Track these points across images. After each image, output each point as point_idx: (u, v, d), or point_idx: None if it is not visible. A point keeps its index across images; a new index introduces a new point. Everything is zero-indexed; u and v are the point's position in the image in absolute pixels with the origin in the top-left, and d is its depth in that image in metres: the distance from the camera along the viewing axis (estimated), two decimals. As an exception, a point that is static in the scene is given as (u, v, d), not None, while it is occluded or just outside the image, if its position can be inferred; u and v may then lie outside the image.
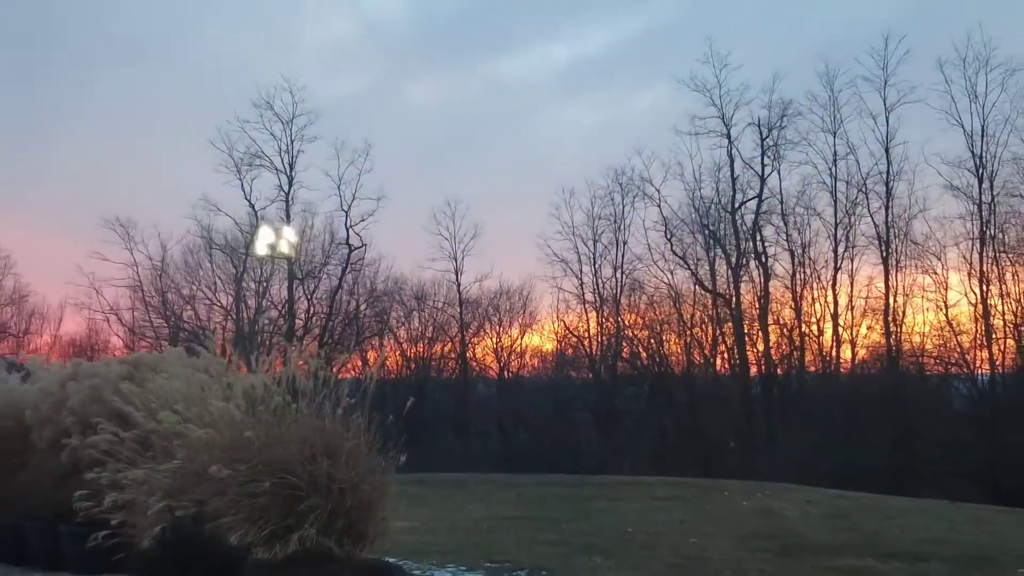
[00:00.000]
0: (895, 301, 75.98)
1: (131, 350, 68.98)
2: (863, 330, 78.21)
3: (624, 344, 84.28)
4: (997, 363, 71.14)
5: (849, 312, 78.08)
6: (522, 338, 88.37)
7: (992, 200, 71.70)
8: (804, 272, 78.59)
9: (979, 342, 72.25)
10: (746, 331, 78.86)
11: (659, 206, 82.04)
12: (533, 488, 46.13)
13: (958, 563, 25.11)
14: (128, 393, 23.53)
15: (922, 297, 75.85)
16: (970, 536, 31.21)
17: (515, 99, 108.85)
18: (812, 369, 78.97)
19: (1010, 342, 71.22)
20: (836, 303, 78.06)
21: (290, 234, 79.27)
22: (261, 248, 74.71)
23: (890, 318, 75.93)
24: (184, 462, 20.78)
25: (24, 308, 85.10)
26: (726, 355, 79.36)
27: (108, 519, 21.33)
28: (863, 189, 76.72)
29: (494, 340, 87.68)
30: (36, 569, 23.03)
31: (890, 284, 76.01)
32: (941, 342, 74.92)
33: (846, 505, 41.09)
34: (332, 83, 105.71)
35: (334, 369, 22.91)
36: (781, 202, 78.41)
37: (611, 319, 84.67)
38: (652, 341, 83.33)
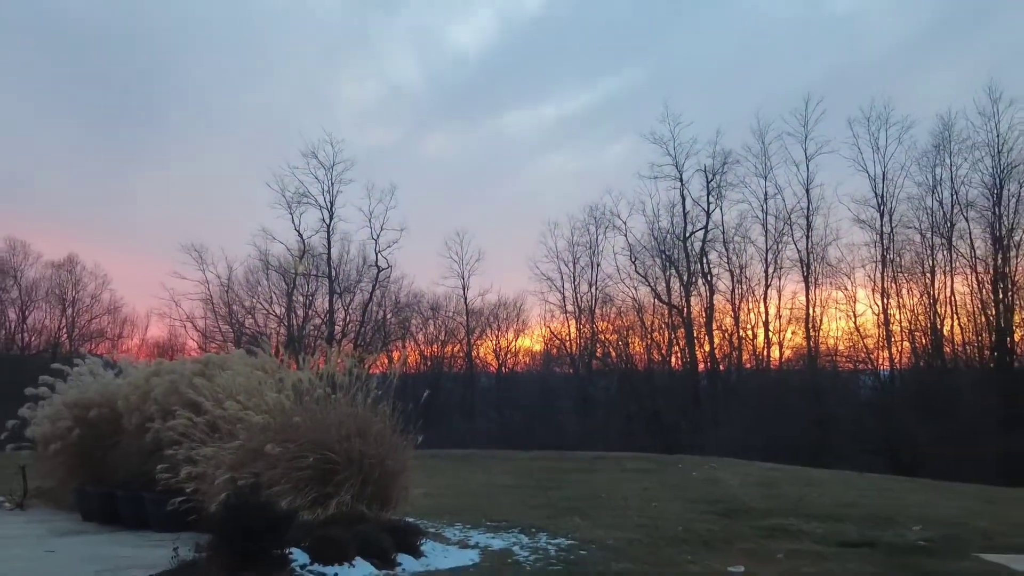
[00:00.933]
0: (814, 311, 77.42)
1: (203, 351, 69.25)
2: (788, 335, 79.55)
3: (598, 346, 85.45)
4: (895, 361, 73.02)
5: (777, 320, 79.53)
6: (516, 340, 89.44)
7: (891, 231, 73.49)
8: (741, 288, 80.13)
9: (881, 344, 73.87)
10: (695, 335, 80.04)
11: (625, 235, 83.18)
12: (524, 462, 46.25)
13: (865, 522, 25.18)
14: (200, 386, 23.84)
15: (835, 308, 77.76)
16: (874, 500, 31.32)
17: (511, 149, 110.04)
18: (748, 366, 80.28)
19: (905, 344, 72.85)
20: (767, 313, 79.57)
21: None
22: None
23: (810, 325, 77.09)
24: (244, 442, 21.16)
25: (118, 316, 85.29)
26: (679, 354, 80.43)
27: (183, 488, 21.71)
28: (788, 222, 78.34)
29: (494, 342, 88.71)
30: (126, 529, 23.07)
31: (810, 298, 77.52)
32: (851, 344, 76.50)
33: (775, 475, 41.30)
34: (365, 136, 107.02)
35: (365, 366, 23.08)
36: (723, 232, 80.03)
37: (587, 325, 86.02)
38: (620, 343, 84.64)
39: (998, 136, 69.14)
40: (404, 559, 18.53)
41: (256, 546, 16.88)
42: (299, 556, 17.28)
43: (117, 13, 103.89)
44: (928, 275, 72.22)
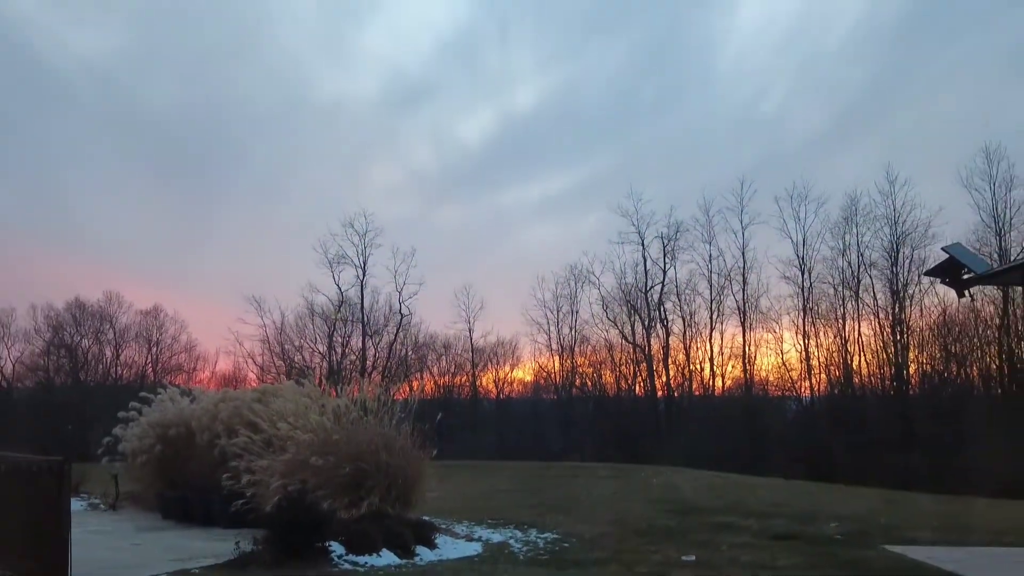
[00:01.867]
0: (749, 349, 78.02)
1: (260, 382, 69.88)
2: (729, 368, 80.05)
3: (576, 377, 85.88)
4: (815, 389, 73.94)
5: (720, 356, 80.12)
6: (511, 372, 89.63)
7: (810, 285, 74.59)
8: (691, 331, 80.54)
9: (803, 376, 74.77)
10: (654, 368, 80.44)
11: (599, 288, 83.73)
12: (518, 470, 46.43)
13: (793, 518, 25.21)
14: (258, 410, 24.16)
15: (766, 347, 78.39)
16: (799, 501, 31.32)
17: (507, 219, 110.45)
18: (697, 393, 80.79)
19: (823, 376, 73.74)
20: (712, 350, 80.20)
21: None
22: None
23: (746, 360, 77.64)
24: (293, 455, 21.38)
25: (192, 353, 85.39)
26: (642, 384, 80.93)
27: (243, 492, 22.17)
28: (728, 278, 79.29)
29: (493, 374, 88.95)
30: (197, 526, 23.13)
31: (746, 338, 78.19)
32: (779, 376, 77.15)
33: (719, 481, 41.37)
34: (391, 208, 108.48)
35: (391, 394, 23.33)
36: (676, 286, 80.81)
37: (568, 361, 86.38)
38: (594, 375, 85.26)
39: (894, 210, 71.04)
40: (421, 550, 18.86)
41: (302, 540, 17.15)
42: (336, 548, 17.71)
43: (196, 109, 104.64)
44: (840, 321, 73.66)
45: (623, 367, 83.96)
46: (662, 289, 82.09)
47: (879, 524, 24.52)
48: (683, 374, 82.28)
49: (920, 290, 70.90)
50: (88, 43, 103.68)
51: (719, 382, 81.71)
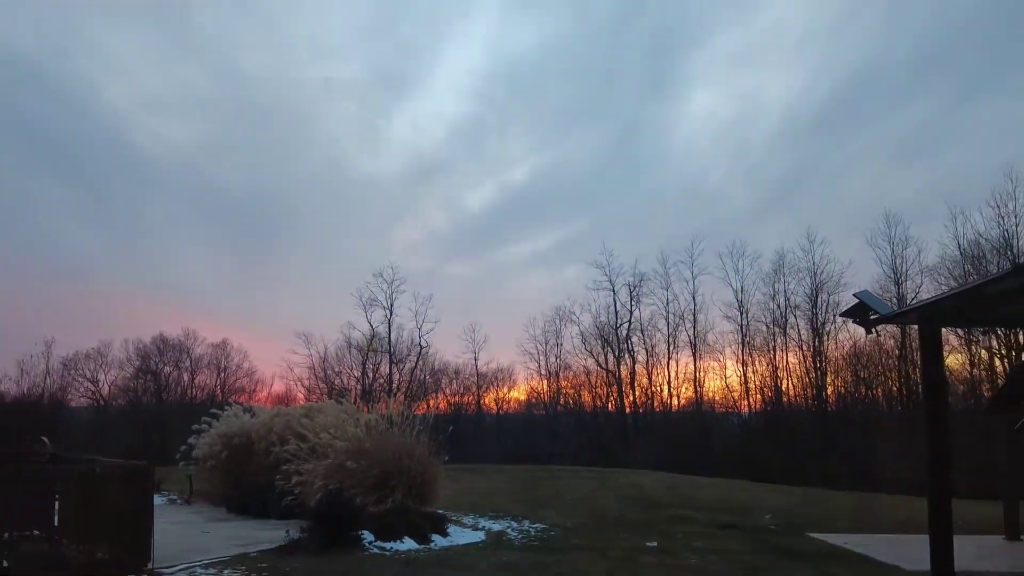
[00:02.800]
0: (700, 374, 78.94)
1: (307, 401, 70.18)
2: (683, 389, 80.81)
3: (561, 396, 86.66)
4: (752, 406, 74.61)
5: (676, 380, 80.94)
6: (509, 392, 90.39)
7: (747, 323, 75.96)
8: (653, 359, 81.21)
9: (742, 396, 75.89)
10: (623, 390, 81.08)
11: (578, 325, 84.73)
12: (514, 473, 46.11)
13: (734, 511, 25.31)
14: (305, 424, 24.28)
15: (713, 372, 79.29)
16: (738, 497, 31.25)
17: (505, 270, 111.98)
18: (658, 410, 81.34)
19: (758, 396, 74.60)
20: (669, 375, 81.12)
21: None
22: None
23: (697, 383, 78.57)
24: (333, 460, 21.40)
25: (253, 378, 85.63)
26: (614, 402, 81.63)
27: (293, 490, 22.14)
28: (681, 317, 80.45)
29: (494, 394, 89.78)
30: (255, 518, 23.10)
31: (696, 366, 79.23)
32: (723, 396, 77.74)
33: (676, 481, 41.30)
34: (413, 261, 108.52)
35: (412, 411, 23.35)
36: (640, 323, 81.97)
37: (554, 383, 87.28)
38: (575, 395, 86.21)
39: (814, 263, 73.15)
40: (436, 537, 18.90)
41: (340, 529, 17.22)
42: (367, 536, 17.87)
43: (262, 184, 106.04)
44: (772, 352, 74.86)
45: (598, 388, 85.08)
46: (629, 326, 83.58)
47: (804, 516, 24.61)
48: (646, 394, 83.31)
49: (835, 327, 73.05)
50: (174, 134, 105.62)
51: (675, 401, 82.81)
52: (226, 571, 14.24)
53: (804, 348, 72.96)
